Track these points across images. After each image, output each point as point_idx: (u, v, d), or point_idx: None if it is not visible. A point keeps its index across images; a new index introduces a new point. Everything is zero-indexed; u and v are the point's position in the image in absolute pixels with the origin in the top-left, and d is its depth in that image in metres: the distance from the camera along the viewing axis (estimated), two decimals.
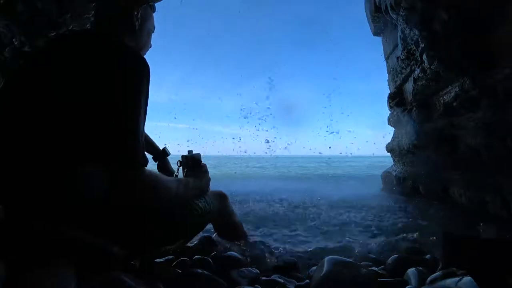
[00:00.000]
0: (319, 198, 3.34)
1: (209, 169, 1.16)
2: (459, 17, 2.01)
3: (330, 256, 1.05)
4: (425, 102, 2.81)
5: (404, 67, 3.09)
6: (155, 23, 1.01)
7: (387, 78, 4.05)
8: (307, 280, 1.02)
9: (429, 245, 1.44)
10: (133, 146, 0.69)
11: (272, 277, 1.04)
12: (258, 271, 1.05)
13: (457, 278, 0.80)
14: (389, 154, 3.98)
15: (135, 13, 0.87)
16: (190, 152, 1.18)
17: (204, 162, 1.16)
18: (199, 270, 0.94)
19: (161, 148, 1.35)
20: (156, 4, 1.01)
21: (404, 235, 1.70)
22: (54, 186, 0.65)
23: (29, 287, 0.55)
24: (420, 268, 1.02)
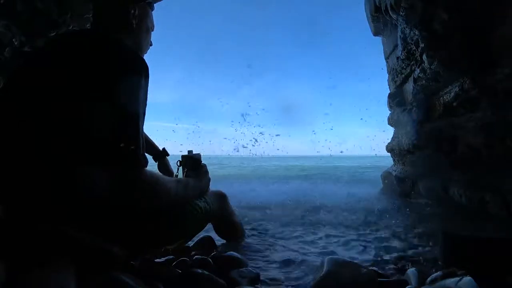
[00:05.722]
0: (318, 198, 3.34)
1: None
2: (459, 17, 2.01)
3: (330, 256, 1.05)
4: (425, 102, 2.80)
5: (404, 67, 3.09)
6: (155, 23, 1.01)
7: (387, 78, 4.05)
8: (307, 280, 1.02)
9: (429, 245, 1.44)
10: (133, 146, 0.69)
11: (272, 277, 1.04)
12: (258, 271, 1.05)
13: (457, 278, 0.81)
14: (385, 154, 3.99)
15: (132, 11, 0.87)
16: (190, 152, 1.18)
17: (204, 162, 1.16)
18: (199, 270, 0.94)
19: (160, 148, 1.35)
20: (156, 5, 1.01)
21: (404, 235, 1.70)
22: (54, 186, 0.65)
23: (29, 287, 0.55)
24: (420, 268, 1.03)
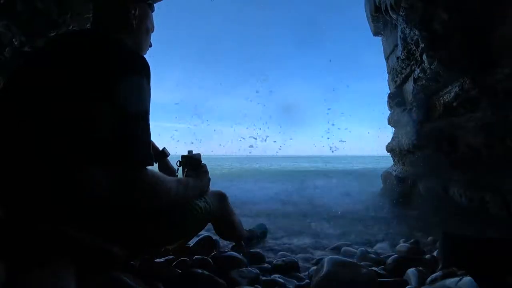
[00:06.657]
0: (319, 199, 3.34)
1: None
2: (459, 17, 2.01)
3: (330, 256, 1.05)
4: (425, 102, 2.80)
5: (404, 67, 3.09)
6: (155, 23, 1.01)
7: (387, 78, 4.05)
8: (307, 280, 1.02)
9: (429, 245, 1.44)
10: (133, 146, 0.69)
11: (272, 277, 1.04)
12: (258, 271, 1.05)
13: (457, 278, 0.81)
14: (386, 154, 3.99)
15: (132, 11, 0.87)
16: (190, 152, 1.18)
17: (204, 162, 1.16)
18: (199, 270, 0.94)
19: (160, 148, 1.35)
20: (156, 5, 1.01)
21: (404, 235, 1.70)
22: (54, 186, 0.65)
23: (29, 287, 0.55)
24: (420, 268, 1.02)
